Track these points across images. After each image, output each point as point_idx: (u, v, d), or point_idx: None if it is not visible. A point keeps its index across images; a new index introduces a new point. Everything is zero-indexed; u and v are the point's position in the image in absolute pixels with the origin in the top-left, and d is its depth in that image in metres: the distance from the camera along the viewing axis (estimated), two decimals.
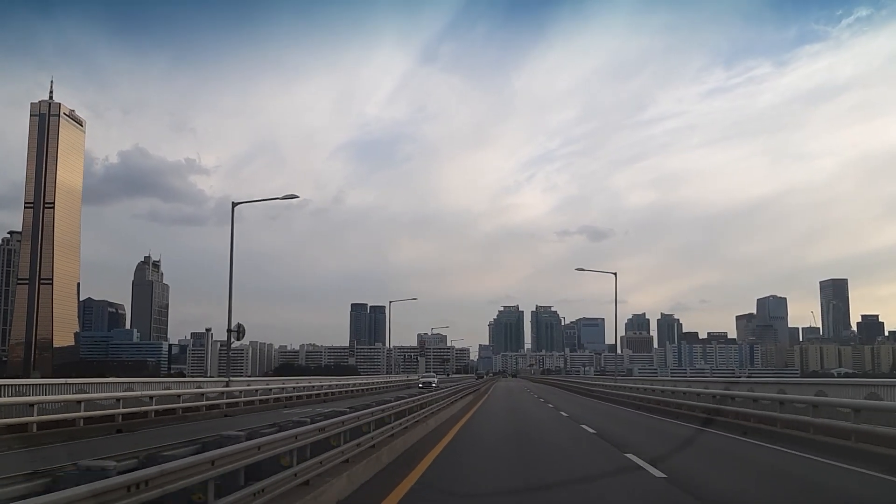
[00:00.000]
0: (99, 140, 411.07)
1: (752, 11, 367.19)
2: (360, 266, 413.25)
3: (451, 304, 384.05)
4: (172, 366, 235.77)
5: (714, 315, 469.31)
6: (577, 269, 75.37)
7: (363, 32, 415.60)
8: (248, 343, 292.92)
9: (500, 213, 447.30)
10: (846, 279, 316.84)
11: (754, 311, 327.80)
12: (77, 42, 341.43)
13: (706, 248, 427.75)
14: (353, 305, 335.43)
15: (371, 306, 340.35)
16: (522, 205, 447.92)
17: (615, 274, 48.14)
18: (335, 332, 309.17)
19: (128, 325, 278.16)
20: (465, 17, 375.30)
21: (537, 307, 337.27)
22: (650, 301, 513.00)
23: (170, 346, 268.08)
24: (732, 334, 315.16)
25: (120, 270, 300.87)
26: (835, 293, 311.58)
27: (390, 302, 73.15)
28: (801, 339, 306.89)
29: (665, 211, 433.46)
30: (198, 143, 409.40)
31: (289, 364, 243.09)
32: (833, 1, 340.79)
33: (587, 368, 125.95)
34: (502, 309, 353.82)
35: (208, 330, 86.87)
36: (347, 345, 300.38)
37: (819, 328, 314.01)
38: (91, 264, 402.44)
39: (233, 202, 30.54)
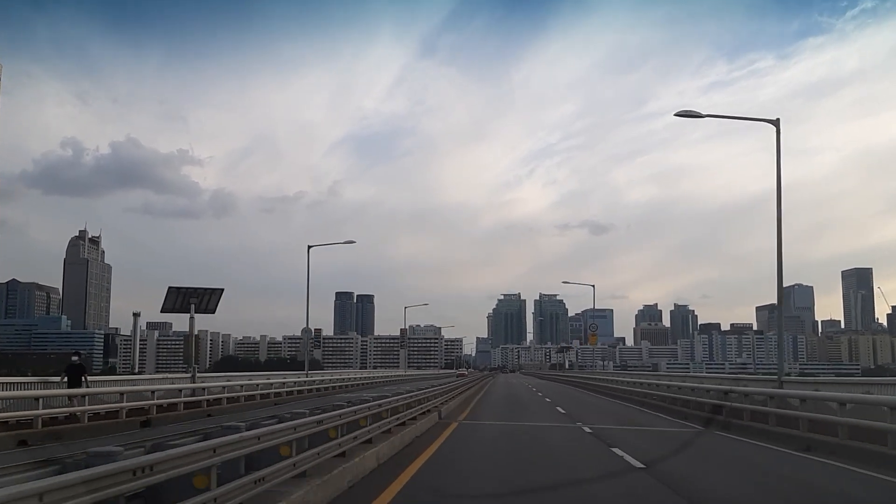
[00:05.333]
0: (91, 131, 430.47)
1: (754, 3, 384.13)
2: (357, 261, 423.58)
3: (449, 299, 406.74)
4: (110, 359, 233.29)
5: (714, 310, 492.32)
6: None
7: (361, 25, 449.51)
8: (197, 332, 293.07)
9: (500, 208, 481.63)
10: (871, 268, 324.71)
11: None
12: (70, 33, 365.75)
13: (707, 243, 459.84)
14: (337, 294, 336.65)
15: (358, 295, 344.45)
16: (522, 199, 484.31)
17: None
18: (324, 326, 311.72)
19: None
20: (464, 9, 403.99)
21: (541, 295, 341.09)
22: (651, 295, 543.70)
23: (106, 336, 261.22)
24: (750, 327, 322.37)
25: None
26: (859, 283, 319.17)
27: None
28: (820, 331, 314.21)
29: (666, 205, 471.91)
30: (192, 136, 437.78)
31: (232, 358, 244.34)
32: None
33: (606, 363, 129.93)
34: (502, 297, 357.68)
35: (136, 315, 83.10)
36: (332, 334, 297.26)
37: (840, 321, 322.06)
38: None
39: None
